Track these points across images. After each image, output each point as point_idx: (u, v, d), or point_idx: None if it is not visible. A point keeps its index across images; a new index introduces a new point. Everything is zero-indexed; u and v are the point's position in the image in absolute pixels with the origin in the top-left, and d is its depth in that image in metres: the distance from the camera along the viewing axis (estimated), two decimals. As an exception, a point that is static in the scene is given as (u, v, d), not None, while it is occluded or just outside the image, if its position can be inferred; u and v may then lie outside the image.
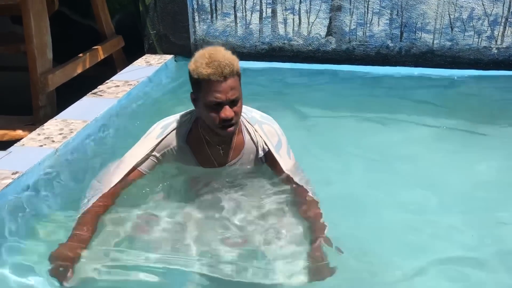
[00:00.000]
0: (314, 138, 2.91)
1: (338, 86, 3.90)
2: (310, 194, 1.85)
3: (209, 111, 1.68)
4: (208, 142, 1.85)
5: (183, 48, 4.16)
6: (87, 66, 3.51)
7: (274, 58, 4.10)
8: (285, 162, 1.89)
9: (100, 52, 3.72)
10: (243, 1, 3.98)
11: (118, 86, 3.37)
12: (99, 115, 2.86)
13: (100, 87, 3.33)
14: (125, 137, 2.79)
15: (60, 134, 2.59)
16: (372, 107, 3.43)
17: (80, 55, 3.54)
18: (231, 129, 1.72)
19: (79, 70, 3.40)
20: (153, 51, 4.23)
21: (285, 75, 4.06)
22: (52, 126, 2.69)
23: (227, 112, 1.66)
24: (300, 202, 1.85)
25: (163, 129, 1.85)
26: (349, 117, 3.30)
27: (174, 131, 1.84)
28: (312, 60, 4.03)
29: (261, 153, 1.91)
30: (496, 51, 3.72)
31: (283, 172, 1.88)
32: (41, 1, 3.03)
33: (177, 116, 1.89)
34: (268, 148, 1.89)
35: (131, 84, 3.41)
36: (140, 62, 3.99)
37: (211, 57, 1.63)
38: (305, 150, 2.56)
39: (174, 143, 1.85)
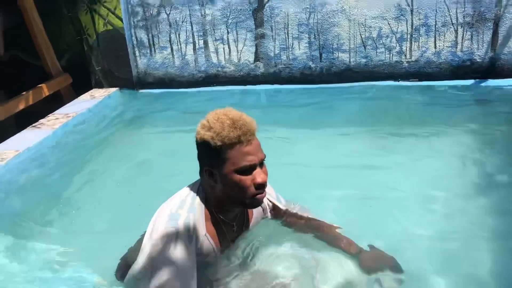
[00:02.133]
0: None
1: (269, 103, 4.24)
2: (318, 219, 1.84)
3: (239, 181, 1.43)
4: (223, 222, 1.58)
5: (126, 81, 4.52)
6: (30, 103, 3.83)
7: (211, 84, 4.43)
8: (283, 205, 1.84)
9: (45, 90, 4.06)
10: (177, 35, 4.34)
11: (57, 118, 3.69)
12: (32, 145, 3.15)
13: (41, 121, 3.65)
14: (56, 166, 3.10)
15: (-9, 163, 2.88)
16: (303, 121, 3.75)
17: (23, 93, 3.86)
18: (263, 195, 1.50)
19: (22, 106, 3.72)
20: (100, 86, 4.58)
21: (223, 95, 4.39)
22: (-15, 156, 2.99)
23: (262, 175, 1.45)
24: (316, 228, 1.81)
25: (174, 226, 1.47)
26: (280, 130, 3.56)
27: (190, 224, 1.48)
28: (245, 84, 4.36)
29: (268, 214, 1.83)
30: (407, 64, 4.06)
31: (285, 213, 1.83)
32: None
33: (182, 205, 1.52)
34: (272, 203, 1.81)
35: (69, 116, 3.72)
36: (85, 96, 4.33)
37: (231, 118, 1.42)
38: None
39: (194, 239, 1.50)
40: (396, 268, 1.63)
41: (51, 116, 3.74)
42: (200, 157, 1.53)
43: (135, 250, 1.59)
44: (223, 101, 4.33)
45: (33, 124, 3.57)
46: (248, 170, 1.43)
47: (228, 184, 1.45)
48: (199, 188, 1.57)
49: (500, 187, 2.57)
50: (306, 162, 2.93)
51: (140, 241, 1.60)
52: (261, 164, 1.47)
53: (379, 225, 2.15)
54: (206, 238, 1.53)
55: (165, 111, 4.20)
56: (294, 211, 1.85)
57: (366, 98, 4.10)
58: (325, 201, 2.35)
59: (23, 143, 3.18)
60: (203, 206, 1.53)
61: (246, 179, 1.43)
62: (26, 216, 2.50)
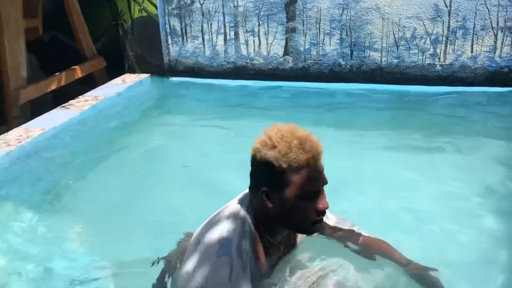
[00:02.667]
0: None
1: (296, 99, 4.21)
2: (365, 233, 1.75)
3: (304, 205, 1.31)
4: (270, 244, 1.47)
5: (158, 68, 4.60)
6: (63, 83, 3.97)
7: (239, 76, 4.44)
8: (331, 221, 1.71)
9: (78, 71, 4.19)
10: (209, 25, 4.37)
11: (87, 100, 3.81)
12: (58, 125, 3.28)
13: (71, 102, 3.78)
14: (80, 147, 3.21)
15: (17, 139, 3.01)
16: (328, 120, 3.69)
17: (57, 73, 4.01)
18: (323, 222, 1.41)
19: (53, 87, 3.86)
20: (132, 71, 4.68)
21: (250, 89, 4.40)
22: (14, 133, 3.13)
23: (325, 201, 1.34)
24: (364, 244, 1.73)
25: (228, 255, 1.34)
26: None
27: (243, 251, 1.36)
28: (273, 78, 4.35)
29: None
30: (440, 67, 3.92)
31: (333, 228, 1.71)
32: (16, 27, 3.51)
33: (233, 228, 1.39)
34: None
35: (98, 99, 3.83)
36: (116, 80, 4.44)
37: (298, 138, 1.28)
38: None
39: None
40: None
41: (81, 98, 3.86)
42: (255, 176, 1.38)
43: (174, 266, 1.62)
44: (251, 98, 4.36)
45: (63, 105, 3.70)
46: (313, 195, 1.32)
47: (287, 209, 1.32)
48: (248, 206, 1.42)
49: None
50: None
51: (180, 253, 1.59)
52: (323, 188, 1.35)
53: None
54: (256, 263, 1.41)
55: (192, 101, 4.26)
56: (343, 226, 1.75)
57: (397, 101, 4.02)
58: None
59: (50, 122, 3.30)
60: (253, 228, 1.40)
61: (309, 205, 1.32)
62: (44, 192, 2.62)
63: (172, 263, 1.68)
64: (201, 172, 2.79)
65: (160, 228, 2.17)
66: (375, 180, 2.66)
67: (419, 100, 3.99)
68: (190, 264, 1.37)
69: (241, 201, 1.45)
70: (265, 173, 1.32)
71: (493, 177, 2.70)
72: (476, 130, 3.44)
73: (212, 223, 1.43)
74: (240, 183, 1.55)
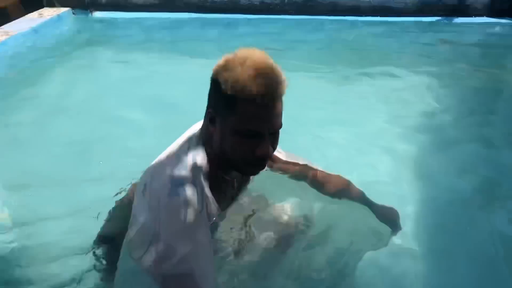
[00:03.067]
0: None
1: (227, 32, 4.07)
2: (321, 169, 1.63)
3: (240, 142, 1.16)
4: (224, 180, 1.32)
5: (79, 1, 4.26)
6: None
7: (167, 9, 4.20)
8: (283, 155, 1.58)
9: (-14, 4, 3.81)
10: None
11: (-4, 36, 3.50)
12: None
13: (-22, 38, 3.46)
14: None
15: None
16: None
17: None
18: (262, 169, 1.25)
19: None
20: (51, 4, 4.32)
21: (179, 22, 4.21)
22: None
23: (265, 149, 1.16)
24: (322, 180, 1.62)
25: (181, 196, 1.16)
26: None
27: (197, 189, 1.19)
28: (203, 10, 4.13)
29: (267, 167, 1.50)
30: (371, -3, 3.84)
31: (284, 163, 1.58)
32: None
33: (183, 164, 1.21)
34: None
35: (9, 34, 3.53)
36: (33, 14, 4.10)
37: (258, 68, 1.10)
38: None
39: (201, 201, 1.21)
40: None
41: (-10, 33, 3.55)
42: (208, 96, 1.21)
43: (116, 225, 1.38)
44: (179, 31, 4.17)
45: (-31, 41, 3.39)
46: (253, 136, 1.14)
47: (226, 141, 1.17)
48: (199, 137, 1.26)
49: (454, 123, 2.62)
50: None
51: (120, 215, 1.39)
52: (273, 133, 1.17)
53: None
54: (211, 200, 1.24)
55: (116, 37, 4.02)
56: (297, 161, 1.62)
57: (327, 33, 3.95)
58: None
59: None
60: (205, 161, 1.22)
61: (246, 144, 1.14)
62: None
63: (115, 220, 1.49)
64: (124, 112, 2.67)
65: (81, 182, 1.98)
66: (304, 112, 2.64)
67: (350, 31, 3.95)
68: (140, 215, 1.17)
69: (191, 133, 1.28)
70: (214, 93, 1.17)
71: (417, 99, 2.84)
72: (404, 59, 3.48)
73: (159, 164, 1.23)
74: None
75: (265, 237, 1.42)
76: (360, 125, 2.55)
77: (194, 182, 1.16)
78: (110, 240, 1.43)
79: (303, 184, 1.60)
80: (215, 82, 1.13)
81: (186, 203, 1.12)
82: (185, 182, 1.15)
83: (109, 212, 1.53)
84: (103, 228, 1.49)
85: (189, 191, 1.14)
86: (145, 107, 2.70)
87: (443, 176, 2.08)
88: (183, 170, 1.17)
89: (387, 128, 2.52)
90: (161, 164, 1.21)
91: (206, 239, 1.15)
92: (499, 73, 3.81)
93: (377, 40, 3.96)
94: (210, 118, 1.18)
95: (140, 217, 1.16)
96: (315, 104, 2.77)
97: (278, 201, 1.56)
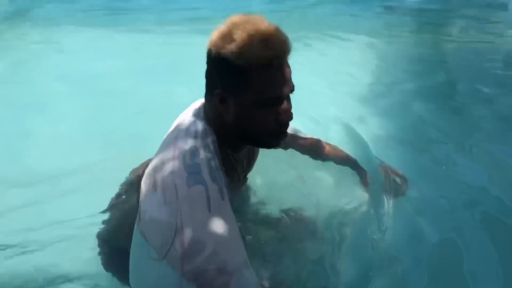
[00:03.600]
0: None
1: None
2: (323, 141, 1.70)
3: (262, 114, 1.10)
4: (235, 160, 1.26)
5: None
6: None
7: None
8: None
9: None
10: None
11: None
12: None
13: None
14: None
15: None
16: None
17: None
18: (286, 136, 1.19)
19: None
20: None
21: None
22: None
23: (289, 112, 1.12)
24: (334, 153, 1.70)
25: (200, 182, 1.06)
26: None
27: (215, 172, 1.11)
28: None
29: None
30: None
31: (292, 137, 1.60)
32: None
33: (195, 148, 1.12)
34: None
35: None
36: None
37: (262, 31, 1.04)
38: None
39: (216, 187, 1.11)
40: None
41: None
42: (210, 74, 1.13)
43: (121, 224, 1.30)
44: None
45: None
46: (274, 103, 1.09)
47: (244, 117, 1.10)
48: (204, 118, 1.18)
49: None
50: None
51: (122, 209, 1.32)
52: (288, 96, 1.13)
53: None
54: (228, 184, 1.16)
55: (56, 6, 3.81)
56: (305, 136, 1.66)
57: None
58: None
59: None
60: (216, 144, 1.15)
61: (269, 114, 1.09)
62: None
63: (116, 220, 1.40)
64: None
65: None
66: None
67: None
68: (153, 211, 1.06)
69: (195, 114, 1.19)
70: (220, 72, 1.08)
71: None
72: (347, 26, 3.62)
73: (166, 154, 1.13)
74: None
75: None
76: (298, 89, 2.70)
77: (210, 167, 1.09)
78: (114, 243, 1.34)
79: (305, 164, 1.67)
80: (219, 59, 1.06)
81: (207, 191, 1.04)
82: (202, 169, 1.07)
83: (111, 210, 1.44)
84: (105, 230, 1.39)
85: (207, 178, 1.06)
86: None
87: (378, 142, 2.18)
88: (196, 157, 1.09)
89: (325, 94, 2.67)
90: (168, 154, 1.11)
91: (234, 226, 1.07)
92: (438, 37, 4.08)
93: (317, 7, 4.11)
94: (220, 99, 1.10)
95: (153, 213, 1.06)
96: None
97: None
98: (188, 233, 1.00)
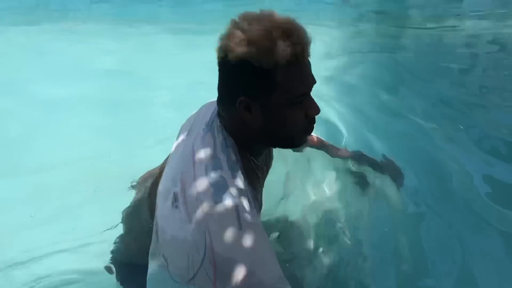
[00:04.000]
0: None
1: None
2: (323, 139, 1.78)
3: (293, 113, 1.04)
4: (256, 166, 1.19)
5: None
6: None
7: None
8: None
9: None
10: None
11: None
12: None
13: None
14: None
15: None
16: None
17: None
18: (313, 129, 1.14)
19: None
20: None
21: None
22: None
23: (316, 105, 1.07)
24: (335, 151, 1.77)
25: (229, 199, 0.99)
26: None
27: (241, 186, 1.04)
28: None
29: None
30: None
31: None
32: None
33: (217, 162, 1.05)
34: None
35: None
36: None
37: (281, 26, 0.97)
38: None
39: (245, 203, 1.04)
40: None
41: None
42: (228, 83, 1.05)
43: (135, 240, 1.25)
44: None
45: None
46: (301, 100, 1.04)
47: (274, 120, 1.04)
48: (220, 128, 1.10)
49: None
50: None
51: (135, 223, 1.26)
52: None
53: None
54: (254, 194, 1.11)
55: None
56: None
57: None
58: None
59: None
60: (237, 154, 1.08)
61: (299, 112, 1.04)
62: None
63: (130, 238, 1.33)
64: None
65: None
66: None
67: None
68: (174, 230, 0.98)
69: (209, 125, 1.12)
70: (242, 78, 1.00)
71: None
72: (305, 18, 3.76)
73: (184, 167, 1.05)
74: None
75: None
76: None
77: (236, 180, 1.02)
78: (129, 259, 1.29)
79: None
80: (240, 65, 0.98)
81: (236, 206, 0.97)
82: (228, 183, 1.00)
83: (124, 227, 1.37)
84: (118, 250, 1.33)
85: (235, 192, 1.00)
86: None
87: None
88: (219, 170, 1.02)
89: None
90: (187, 168, 1.04)
91: (266, 241, 1.01)
92: (396, 31, 4.30)
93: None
94: (245, 106, 1.03)
95: (175, 232, 0.98)
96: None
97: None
98: (220, 253, 0.92)
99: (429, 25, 4.70)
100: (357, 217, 1.60)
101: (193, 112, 1.26)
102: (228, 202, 0.96)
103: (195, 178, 1.00)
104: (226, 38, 0.99)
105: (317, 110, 1.06)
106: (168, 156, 1.20)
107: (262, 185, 1.26)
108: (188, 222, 0.96)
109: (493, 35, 4.22)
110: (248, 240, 0.95)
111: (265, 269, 0.95)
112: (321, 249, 1.45)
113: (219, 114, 1.12)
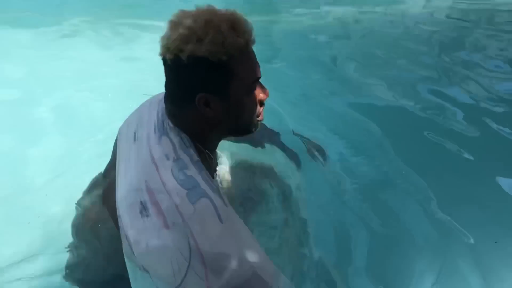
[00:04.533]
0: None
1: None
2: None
3: (252, 98, 1.08)
4: (210, 159, 1.18)
5: None
6: None
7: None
8: None
9: None
10: None
11: None
12: None
13: None
14: None
15: None
16: None
17: None
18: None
19: None
20: None
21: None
22: None
23: (265, 89, 1.12)
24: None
25: (202, 196, 0.98)
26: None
27: (209, 181, 1.03)
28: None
29: None
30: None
31: None
32: None
33: (182, 163, 1.04)
34: None
35: None
36: None
37: (224, 20, 1.00)
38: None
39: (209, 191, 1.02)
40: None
41: None
42: (181, 83, 1.04)
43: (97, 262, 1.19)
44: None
45: None
46: (256, 85, 1.08)
47: (235, 110, 1.06)
48: (173, 129, 1.09)
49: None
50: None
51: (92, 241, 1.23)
52: None
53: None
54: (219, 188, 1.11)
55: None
56: None
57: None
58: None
59: None
60: (196, 151, 1.08)
61: (254, 98, 1.08)
62: None
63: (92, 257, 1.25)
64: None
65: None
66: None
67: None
68: (149, 238, 0.95)
69: (160, 128, 1.10)
70: (197, 75, 1.01)
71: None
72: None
73: (146, 173, 1.03)
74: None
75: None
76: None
77: (203, 176, 1.02)
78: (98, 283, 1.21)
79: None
80: (195, 62, 0.98)
81: (212, 202, 0.97)
82: (198, 180, 1.00)
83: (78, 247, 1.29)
84: (78, 270, 1.26)
85: (207, 188, 0.99)
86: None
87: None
88: (186, 170, 1.01)
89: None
90: (152, 175, 1.01)
91: (246, 229, 1.01)
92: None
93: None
94: (205, 102, 1.03)
95: (151, 241, 0.94)
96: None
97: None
98: (207, 251, 0.91)
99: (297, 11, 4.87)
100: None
101: (129, 117, 1.24)
102: (204, 200, 0.96)
103: (164, 184, 0.98)
104: (173, 39, 0.98)
105: (266, 93, 1.10)
106: (111, 164, 1.17)
107: (215, 177, 1.27)
108: (165, 228, 0.94)
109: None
110: (231, 232, 0.95)
111: (254, 255, 0.95)
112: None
113: (170, 115, 1.09)
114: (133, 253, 0.96)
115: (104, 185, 1.25)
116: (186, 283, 0.90)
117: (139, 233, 0.96)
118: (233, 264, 0.91)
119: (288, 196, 1.54)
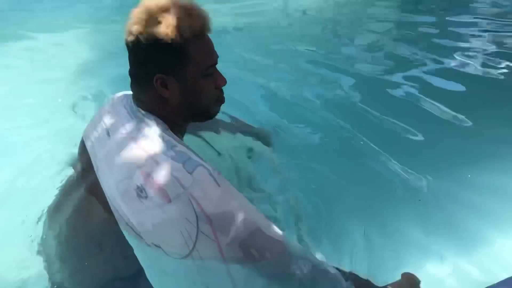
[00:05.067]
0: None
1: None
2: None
3: (206, 83, 1.14)
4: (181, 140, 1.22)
5: None
6: None
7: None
8: None
9: None
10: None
11: None
12: None
13: None
14: None
15: None
16: None
17: None
18: (223, 100, 1.24)
19: None
20: None
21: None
22: None
23: (223, 76, 1.18)
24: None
25: (194, 165, 1.02)
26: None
27: (188, 150, 1.08)
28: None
29: None
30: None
31: None
32: None
33: (170, 142, 1.08)
34: None
35: None
36: None
37: (180, 5, 1.08)
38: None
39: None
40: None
41: None
42: (142, 64, 1.12)
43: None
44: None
45: None
46: (211, 71, 1.14)
47: (190, 92, 1.12)
48: (144, 112, 1.14)
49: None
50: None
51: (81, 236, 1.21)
52: None
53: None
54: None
55: None
56: None
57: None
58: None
59: None
60: (166, 126, 1.14)
61: (211, 83, 1.14)
62: None
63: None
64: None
65: None
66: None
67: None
68: (152, 216, 0.99)
69: (133, 116, 1.15)
70: (155, 57, 1.08)
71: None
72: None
73: (136, 159, 1.04)
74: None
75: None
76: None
77: (190, 149, 1.08)
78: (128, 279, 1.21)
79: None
80: (153, 44, 1.06)
81: (205, 167, 1.02)
82: (188, 153, 1.05)
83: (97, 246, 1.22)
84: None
85: (198, 158, 1.04)
86: None
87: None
88: (174, 147, 1.06)
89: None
90: (142, 158, 1.04)
91: (240, 193, 1.06)
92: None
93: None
94: (162, 83, 1.11)
95: (155, 219, 0.99)
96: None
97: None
98: (212, 212, 0.96)
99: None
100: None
101: (91, 121, 1.28)
102: (199, 168, 1.00)
103: (158, 163, 1.01)
104: (133, 23, 1.08)
105: (224, 80, 1.17)
106: (82, 170, 1.23)
107: None
108: (168, 203, 0.97)
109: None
110: (230, 194, 1.01)
111: (253, 212, 1.02)
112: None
113: (138, 102, 1.16)
114: (139, 235, 1.01)
115: (81, 192, 1.25)
116: (198, 246, 0.95)
117: (141, 215, 1.00)
118: (238, 220, 0.97)
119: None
